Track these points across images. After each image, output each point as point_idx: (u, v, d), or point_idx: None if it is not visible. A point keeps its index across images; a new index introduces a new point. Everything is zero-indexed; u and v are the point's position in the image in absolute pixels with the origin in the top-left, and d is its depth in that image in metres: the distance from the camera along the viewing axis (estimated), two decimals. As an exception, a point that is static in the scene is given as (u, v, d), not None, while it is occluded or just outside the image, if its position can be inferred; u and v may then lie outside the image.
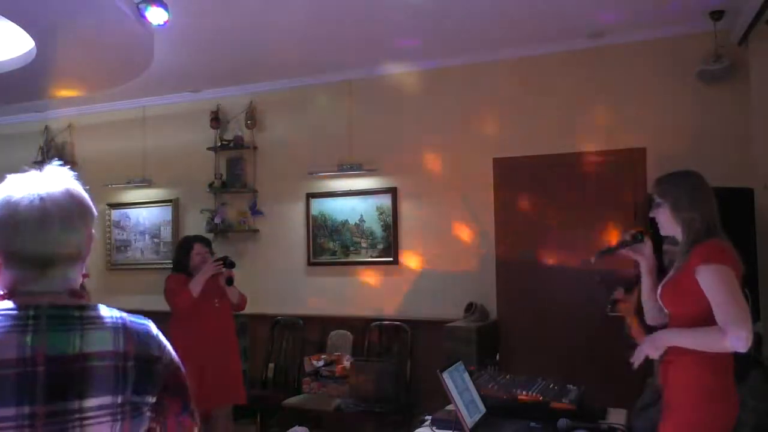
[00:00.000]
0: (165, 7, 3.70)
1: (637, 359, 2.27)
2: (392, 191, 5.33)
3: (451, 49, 4.95)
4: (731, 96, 4.37)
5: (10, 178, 1.16)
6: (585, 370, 4.18)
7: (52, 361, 1.07)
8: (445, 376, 2.45)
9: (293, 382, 5.34)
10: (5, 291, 1.13)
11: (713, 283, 2.07)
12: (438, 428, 2.63)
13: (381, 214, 5.37)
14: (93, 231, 1.22)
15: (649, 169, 4.47)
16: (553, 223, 4.76)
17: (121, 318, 1.19)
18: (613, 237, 4.19)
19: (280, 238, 5.77)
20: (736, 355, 2.09)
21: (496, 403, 2.69)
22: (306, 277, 5.66)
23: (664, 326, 2.42)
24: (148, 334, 1.22)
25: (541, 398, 2.69)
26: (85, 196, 1.21)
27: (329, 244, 5.57)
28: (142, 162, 6.30)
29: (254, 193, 5.86)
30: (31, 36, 3.93)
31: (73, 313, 1.13)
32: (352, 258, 5.47)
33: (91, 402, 1.10)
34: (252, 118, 5.82)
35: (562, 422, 2.44)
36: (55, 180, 1.17)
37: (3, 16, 3.59)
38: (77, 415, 1.08)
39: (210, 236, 5.30)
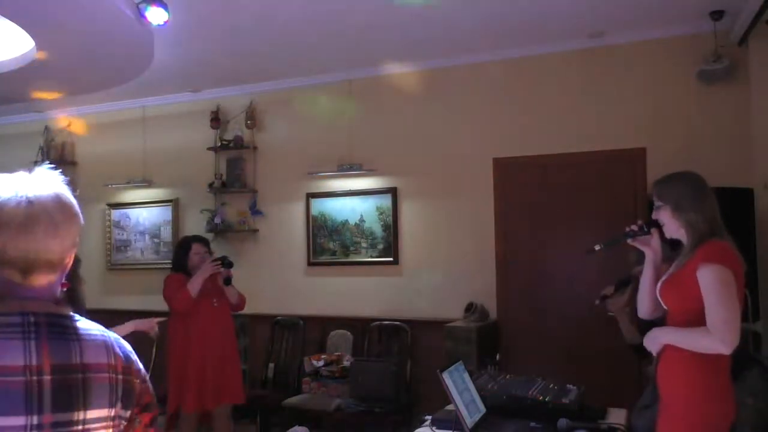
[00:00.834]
0: (165, 7, 3.70)
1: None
2: (392, 191, 5.33)
3: (451, 49, 4.95)
4: (731, 96, 4.37)
5: (0, 178, 1.13)
6: (585, 370, 4.18)
7: (58, 370, 1.06)
8: (445, 376, 2.45)
9: (293, 382, 5.34)
10: None
11: (710, 283, 2.08)
12: (438, 428, 2.63)
13: (381, 214, 5.37)
14: (77, 239, 1.17)
15: (649, 169, 4.47)
16: (553, 223, 4.76)
17: (102, 331, 1.17)
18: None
19: (280, 238, 5.77)
20: (735, 354, 2.09)
21: (496, 403, 2.69)
22: (306, 277, 5.66)
23: (656, 321, 2.43)
24: (127, 349, 1.20)
25: (540, 398, 2.69)
26: (74, 202, 1.16)
27: (329, 244, 5.57)
28: (142, 162, 6.30)
29: (254, 193, 5.86)
30: (31, 36, 3.93)
31: (66, 323, 1.12)
32: (352, 258, 5.47)
33: (92, 414, 1.09)
34: (252, 118, 5.82)
35: (562, 422, 2.45)
36: (45, 183, 1.13)
37: (3, 16, 3.59)
38: (81, 427, 1.07)
39: (210, 236, 5.31)
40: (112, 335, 1.19)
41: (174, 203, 6.23)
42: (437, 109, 5.21)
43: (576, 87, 4.80)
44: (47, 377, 1.04)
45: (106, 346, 1.14)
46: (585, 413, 2.64)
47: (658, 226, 2.32)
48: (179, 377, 3.98)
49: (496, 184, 4.96)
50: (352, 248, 5.48)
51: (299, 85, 5.67)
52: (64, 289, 1.17)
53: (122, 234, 6.46)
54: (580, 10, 4.21)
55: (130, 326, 3.31)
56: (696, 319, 2.11)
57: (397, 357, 4.99)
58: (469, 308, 4.77)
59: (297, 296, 5.63)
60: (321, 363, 4.96)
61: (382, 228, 5.36)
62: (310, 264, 5.63)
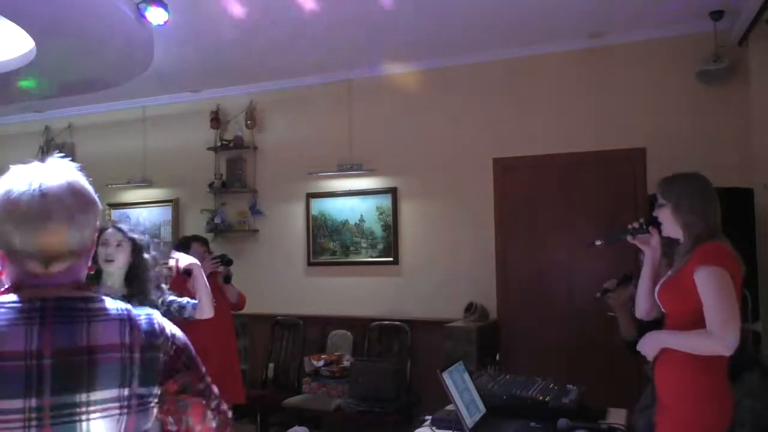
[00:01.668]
0: (165, 7, 3.70)
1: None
2: (392, 191, 5.34)
3: (451, 49, 4.94)
4: (731, 96, 4.37)
5: (12, 169, 1.13)
6: (585, 370, 4.18)
7: (59, 354, 1.06)
8: (445, 376, 2.45)
9: (293, 382, 5.34)
10: (11, 285, 1.12)
11: (707, 285, 2.08)
12: (438, 428, 2.63)
13: (381, 214, 5.37)
14: (98, 224, 1.19)
15: (649, 169, 4.47)
16: (553, 223, 4.76)
17: (126, 309, 1.17)
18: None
19: (280, 238, 5.77)
20: (734, 355, 2.09)
21: (496, 403, 2.69)
22: (306, 277, 5.66)
23: (653, 321, 2.43)
24: (151, 324, 1.19)
25: (540, 398, 2.69)
26: (89, 188, 1.17)
27: (329, 244, 5.57)
28: (142, 162, 6.30)
29: (254, 193, 5.86)
30: (31, 36, 3.93)
31: (79, 305, 1.12)
32: (352, 258, 5.47)
33: (98, 395, 1.08)
34: (252, 118, 5.82)
35: (562, 422, 2.45)
36: (57, 174, 1.13)
37: (3, 16, 3.59)
38: (84, 408, 1.07)
39: (210, 236, 5.31)
40: (139, 312, 1.18)
41: (174, 203, 6.23)
42: (437, 109, 5.21)
43: (576, 87, 4.80)
44: (47, 361, 1.05)
45: (122, 326, 1.14)
46: (585, 413, 2.64)
47: (659, 224, 2.32)
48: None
49: (496, 184, 4.96)
50: (352, 248, 5.48)
51: (299, 85, 5.68)
52: (91, 272, 1.17)
53: (122, 234, 6.45)
54: (580, 10, 4.21)
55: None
56: (696, 321, 2.10)
57: (397, 357, 4.99)
58: (469, 308, 4.77)
59: (297, 296, 5.63)
60: (321, 363, 4.96)
61: (382, 228, 5.36)
62: (310, 264, 5.63)
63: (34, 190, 1.09)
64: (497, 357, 3.74)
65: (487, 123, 5.04)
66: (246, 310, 4.43)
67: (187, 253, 4.12)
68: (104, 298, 1.16)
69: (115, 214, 6.46)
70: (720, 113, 4.41)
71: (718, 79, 4.35)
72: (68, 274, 1.14)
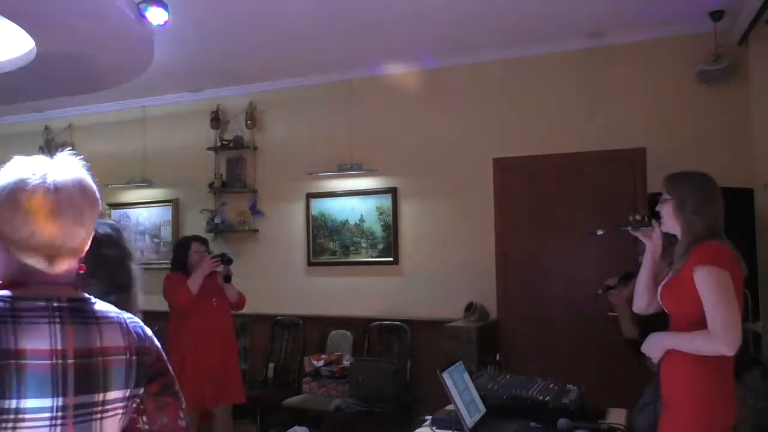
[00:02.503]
0: (165, 7, 3.70)
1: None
2: (392, 191, 5.33)
3: (451, 49, 4.94)
4: (731, 96, 4.37)
5: (19, 160, 1.13)
6: (585, 370, 4.18)
7: (80, 354, 1.09)
8: (445, 376, 2.45)
9: (293, 382, 5.34)
10: (12, 279, 1.11)
11: (707, 285, 2.08)
12: (438, 428, 2.63)
13: (381, 214, 5.37)
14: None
15: (649, 169, 4.47)
16: (553, 223, 4.76)
17: (118, 313, 1.20)
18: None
19: (280, 238, 5.77)
20: (736, 355, 2.09)
21: (496, 403, 2.69)
22: (306, 277, 5.66)
23: (654, 321, 2.42)
24: (141, 328, 1.23)
25: (540, 398, 2.69)
26: (95, 189, 1.18)
27: (329, 244, 5.57)
28: (142, 162, 6.30)
29: (254, 193, 5.86)
30: (31, 36, 3.93)
31: (87, 307, 1.14)
32: (352, 258, 5.47)
33: (111, 395, 1.12)
34: (252, 118, 5.82)
35: (562, 422, 2.44)
36: (67, 170, 1.14)
37: (3, 16, 3.59)
38: (100, 408, 1.11)
39: (210, 236, 5.32)
40: (126, 315, 1.21)
41: (174, 203, 6.23)
42: (437, 109, 5.21)
43: (576, 87, 4.79)
44: (71, 361, 1.07)
45: (122, 329, 1.17)
46: (585, 413, 2.64)
47: (661, 218, 2.32)
48: (179, 376, 3.96)
49: (496, 184, 4.96)
50: (352, 248, 5.48)
51: (299, 85, 5.67)
52: (81, 272, 1.19)
53: (122, 234, 6.45)
54: (581, 10, 4.21)
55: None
56: (699, 321, 2.10)
57: (397, 357, 4.99)
58: (469, 308, 4.77)
59: (297, 296, 5.63)
60: (321, 363, 4.96)
61: (382, 228, 5.36)
62: (310, 264, 5.63)
63: (48, 185, 1.09)
64: (497, 357, 3.73)
65: (487, 123, 5.04)
66: (246, 310, 4.43)
67: (187, 253, 4.14)
68: (95, 300, 1.18)
69: (115, 214, 6.46)
70: (720, 113, 4.41)
71: (718, 79, 4.35)
72: (68, 273, 1.15)
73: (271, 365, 5.49)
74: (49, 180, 1.10)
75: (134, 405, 1.18)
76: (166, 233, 6.23)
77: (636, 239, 2.47)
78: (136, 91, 5.83)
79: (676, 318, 2.24)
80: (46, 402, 1.04)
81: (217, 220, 5.86)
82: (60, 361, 1.06)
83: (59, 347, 1.06)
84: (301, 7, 4.05)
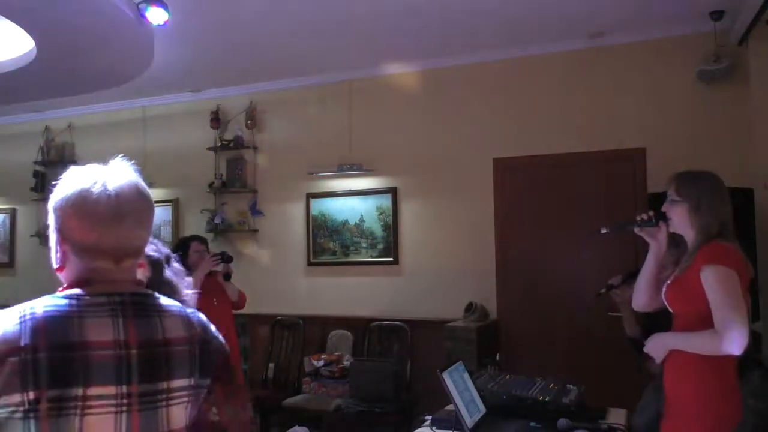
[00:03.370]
0: (165, 7, 3.70)
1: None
2: (392, 191, 5.34)
3: (451, 49, 4.94)
4: (731, 96, 4.37)
5: (75, 171, 1.21)
6: (585, 370, 4.18)
7: (143, 345, 1.14)
8: (445, 376, 2.45)
9: (293, 382, 5.34)
10: (75, 280, 1.18)
11: (714, 284, 2.06)
12: (438, 428, 2.63)
13: (381, 214, 5.37)
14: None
15: (649, 169, 4.47)
16: (553, 223, 4.76)
17: (180, 306, 1.27)
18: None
19: (280, 238, 5.77)
20: (737, 355, 2.08)
21: (496, 403, 2.69)
22: (306, 277, 5.66)
23: (656, 320, 2.41)
24: (202, 320, 1.29)
25: (540, 398, 2.69)
26: (149, 193, 1.27)
27: (329, 244, 5.57)
28: (142, 162, 6.23)
29: (254, 193, 5.86)
30: (31, 36, 3.93)
31: (149, 301, 1.21)
32: (352, 258, 5.47)
33: (175, 383, 1.17)
34: (252, 118, 5.82)
35: (562, 422, 2.44)
36: (123, 176, 1.23)
37: (3, 16, 3.59)
38: (165, 395, 1.16)
39: (210, 236, 5.31)
40: (190, 309, 1.28)
41: (174, 203, 6.23)
42: (437, 109, 5.21)
43: (576, 87, 4.80)
44: (134, 351, 1.13)
45: (184, 321, 1.23)
46: (585, 413, 2.64)
47: (668, 219, 2.29)
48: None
49: (496, 184, 4.96)
50: (352, 248, 5.48)
51: (299, 85, 5.68)
52: (142, 269, 1.27)
53: (122, 234, 6.45)
54: (580, 10, 4.21)
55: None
56: (704, 321, 2.07)
57: (397, 357, 4.99)
58: (469, 308, 4.77)
59: (297, 296, 5.63)
60: (321, 363, 4.96)
61: (382, 228, 5.36)
62: (310, 264, 5.63)
63: (109, 192, 1.17)
64: (497, 357, 3.74)
65: (487, 123, 5.04)
66: (246, 310, 4.43)
67: (187, 252, 4.14)
68: (159, 295, 1.25)
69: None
70: (720, 113, 4.41)
71: (718, 79, 4.35)
72: (133, 270, 1.23)
73: (271, 365, 5.49)
74: (110, 187, 1.18)
75: (202, 395, 1.23)
76: (166, 233, 6.22)
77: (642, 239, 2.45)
78: (136, 91, 5.83)
79: (681, 317, 2.22)
80: (111, 390, 1.10)
81: (217, 220, 5.86)
82: (123, 351, 1.12)
83: (122, 338, 1.12)
84: (301, 7, 4.05)
